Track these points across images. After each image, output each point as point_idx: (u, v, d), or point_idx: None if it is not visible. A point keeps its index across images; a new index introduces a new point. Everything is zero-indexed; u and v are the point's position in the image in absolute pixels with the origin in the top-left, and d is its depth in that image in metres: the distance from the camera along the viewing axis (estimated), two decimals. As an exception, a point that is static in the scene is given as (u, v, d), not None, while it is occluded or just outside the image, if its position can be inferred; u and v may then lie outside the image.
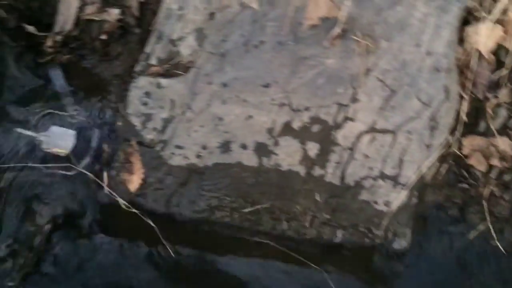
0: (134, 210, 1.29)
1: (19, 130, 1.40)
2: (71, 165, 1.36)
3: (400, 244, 1.30)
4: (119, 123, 1.38)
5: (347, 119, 1.28)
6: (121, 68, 1.54)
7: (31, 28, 1.51)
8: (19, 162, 1.39)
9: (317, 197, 1.27)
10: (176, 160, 1.32)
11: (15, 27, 1.48)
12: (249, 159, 1.29)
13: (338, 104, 1.28)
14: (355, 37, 1.26)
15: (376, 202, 1.27)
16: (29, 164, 1.38)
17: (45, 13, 1.55)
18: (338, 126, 1.28)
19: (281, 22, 1.23)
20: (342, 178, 1.28)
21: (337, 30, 1.22)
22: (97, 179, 1.35)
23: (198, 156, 1.31)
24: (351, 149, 1.28)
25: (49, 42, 1.53)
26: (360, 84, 1.26)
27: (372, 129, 1.28)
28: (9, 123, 1.44)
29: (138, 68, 1.39)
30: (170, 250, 1.33)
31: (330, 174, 1.27)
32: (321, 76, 1.26)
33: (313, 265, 1.29)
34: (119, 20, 1.52)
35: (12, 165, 1.39)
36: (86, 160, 1.41)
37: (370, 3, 1.29)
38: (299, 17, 1.23)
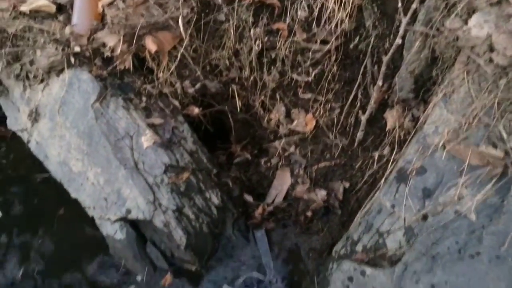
0: None
1: (226, 286, 1.57)
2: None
3: None
4: (316, 299, 1.46)
5: None
6: (318, 243, 1.68)
7: (248, 197, 1.78)
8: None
9: None
10: None
11: (237, 195, 1.76)
12: None
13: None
14: None
15: None
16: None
17: (261, 185, 1.83)
18: None
19: (501, 237, 1.25)
20: None
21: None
22: None
23: None
24: None
25: (259, 210, 1.77)
26: None
27: None
28: (217, 277, 1.63)
29: (341, 251, 1.50)
30: None
31: None
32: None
33: None
34: (324, 201, 1.70)
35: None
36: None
37: None
38: (521, 236, 1.25)
